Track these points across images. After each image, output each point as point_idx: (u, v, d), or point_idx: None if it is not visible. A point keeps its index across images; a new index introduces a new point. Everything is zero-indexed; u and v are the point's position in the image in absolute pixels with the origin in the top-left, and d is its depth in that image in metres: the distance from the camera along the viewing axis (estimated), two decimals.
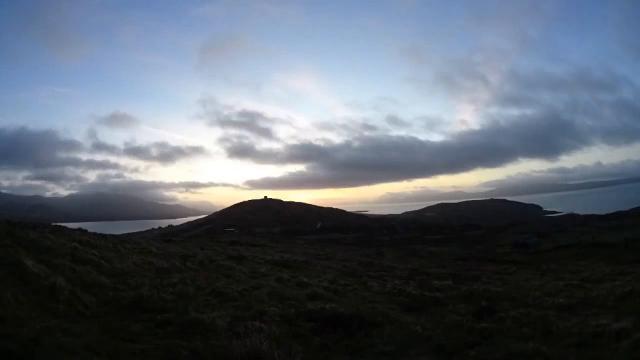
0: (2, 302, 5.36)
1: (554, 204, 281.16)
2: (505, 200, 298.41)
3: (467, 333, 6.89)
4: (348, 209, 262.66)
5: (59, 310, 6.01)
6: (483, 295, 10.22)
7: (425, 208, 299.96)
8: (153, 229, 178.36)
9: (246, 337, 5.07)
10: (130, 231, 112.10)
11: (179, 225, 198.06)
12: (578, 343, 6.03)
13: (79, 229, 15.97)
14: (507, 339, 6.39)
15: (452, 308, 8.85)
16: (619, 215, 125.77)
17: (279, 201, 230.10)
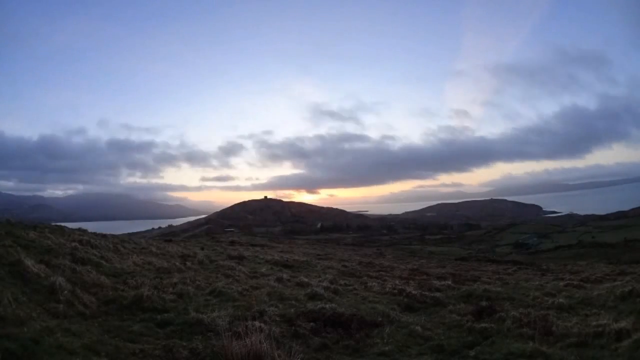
0: (2, 302, 5.36)
1: (554, 204, 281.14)
2: (505, 200, 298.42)
3: (467, 333, 6.89)
4: (348, 209, 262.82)
5: (59, 310, 6.02)
6: (483, 295, 10.20)
7: (425, 208, 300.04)
8: (153, 229, 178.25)
9: (246, 337, 5.08)
10: (130, 231, 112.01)
11: (179, 225, 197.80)
12: (578, 343, 6.03)
13: (79, 229, 15.92)
14: (507, 339, 6.39)
15: (452, 308, 8.84)
16: (619, 215, 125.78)
17: (279, 201, 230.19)
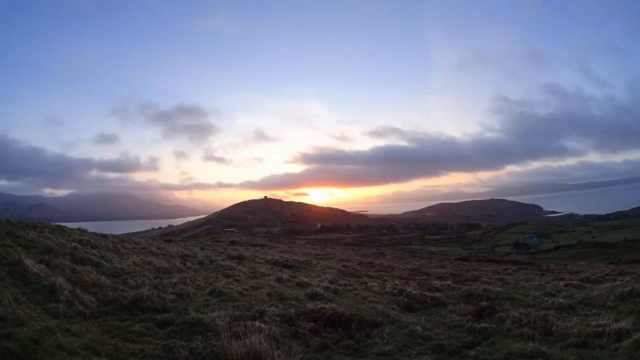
0: (2, 302, 5.37)
1: (554, 204, 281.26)
2: (505, 200, 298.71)
3: (467, 333, 6.88)
4: (348, 209, 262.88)
5: (59, 310, 6.02)
6: (483, 295, 10.19)
7: (425, 208, 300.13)
8: (153, 229, 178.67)
9: (246, 337, 5.08)
10: (130, 231, 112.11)
11: (179, 225, 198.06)
12: (578, 343, 6.02)
13: (79, 229, 15.92)
14: (507, 339, 6.39)
15: (452, 308, 8.83)
16: (619, 215, 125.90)
17: (279, 201, 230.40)
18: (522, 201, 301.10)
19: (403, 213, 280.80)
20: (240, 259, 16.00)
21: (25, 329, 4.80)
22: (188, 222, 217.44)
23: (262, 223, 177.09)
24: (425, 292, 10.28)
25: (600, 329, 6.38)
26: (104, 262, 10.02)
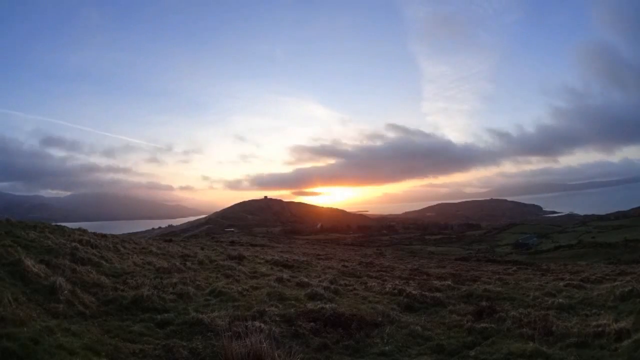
0: (2, 302, 5.36)
1: (554, 204, 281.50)
2: (505, 200, 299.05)
3: (467, 333, 6.89)
4: (348, 209, 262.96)
5: (59, 310, 6.02)
6: (483, 295, 10.20)
7: (425, 208, 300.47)
8: (153, 229, 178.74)
9: (246, 337, 5.08)
10: (130, 231, 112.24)
11: (179, 225, 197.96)
12: (578, 343, 6.03)
13: (79, 229, 15.91)
14: (507, 339, 6.39)
15: (452, 308, 8.83)
16: (619, 215, 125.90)
17: (279, 201, 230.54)
18: (522, 201, 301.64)
19: (403, 213, 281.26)
20: (240, 259, 15.99)
21: (25, 329, 4.80)
22: (188, 222, 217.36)
23: (262, 223, 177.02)
24: (425, 292, 10.27)
25: (600, 329, 6.38)
26: (104, 262, 10.02)
